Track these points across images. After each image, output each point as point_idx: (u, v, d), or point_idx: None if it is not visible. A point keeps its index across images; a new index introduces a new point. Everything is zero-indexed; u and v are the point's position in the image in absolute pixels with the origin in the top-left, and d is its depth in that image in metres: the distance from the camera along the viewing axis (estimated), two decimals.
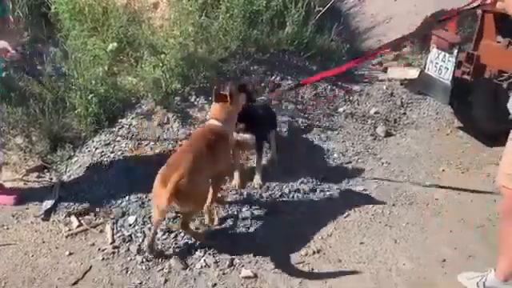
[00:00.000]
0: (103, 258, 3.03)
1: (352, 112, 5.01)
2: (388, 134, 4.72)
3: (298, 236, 3.31)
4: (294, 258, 3.12)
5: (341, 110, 5.02)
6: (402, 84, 5.63)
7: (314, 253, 3.17)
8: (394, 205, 3.69)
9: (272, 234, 3.30)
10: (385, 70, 6.05)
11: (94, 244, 3.14)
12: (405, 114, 5.14)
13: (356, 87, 5.46)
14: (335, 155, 4.30)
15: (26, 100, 4.05)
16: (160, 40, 4.36)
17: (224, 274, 2.96)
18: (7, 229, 3.24)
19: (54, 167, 3.84)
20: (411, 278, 2.97)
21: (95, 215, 3.36)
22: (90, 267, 2.96)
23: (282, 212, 3.52)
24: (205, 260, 3.03)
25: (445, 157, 4.33)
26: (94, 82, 4.18)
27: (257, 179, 3.70)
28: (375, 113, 5.04)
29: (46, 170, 3.82)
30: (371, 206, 3.68)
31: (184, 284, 2.89)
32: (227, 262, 3.01)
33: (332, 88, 5.23)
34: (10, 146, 3.91)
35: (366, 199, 3.75)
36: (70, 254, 3.06)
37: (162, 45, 4.31)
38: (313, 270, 3.04)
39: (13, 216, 3.34)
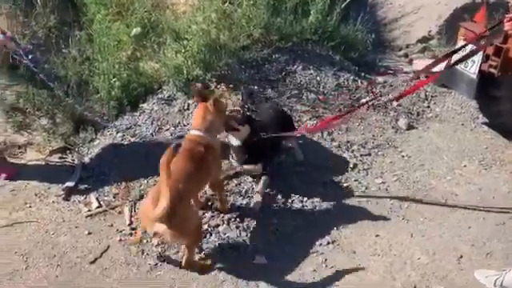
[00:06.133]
0: (120, 239, 3.09)
1: (374, 103, 4.93)
2: (410, 127, 4.64)
3: (313, 227, 3.31)
4: (308, 247, 3.11)
5: (363, 101, 4.94)
6: (426, 77, 5.50)
7: (328, 243, 3.17)
8: (412, 199, 3.64)
9: (287, 223, 3.30)
10: (410, 62, 5.94)
11: (112, 225, 3.20)
12: (428, 107, 5.04)
13: (379, 78, 5.37)
14: (354, 147, 4.25)
15: (50, 82, 4.10)
16: (183, 26, 4.37)
17: (237, 259, 2.97)
18: (30, 207, 3.33)
19: (77, 149, 3.91)
20: (426, 272, 2.95)
21: (114, 197, 3.42)
22: (108, 247, 3.03)
23: (300, 202, 3.51)
24: (220, 244, 3.05)
25: (467, 152, 4.25)
26: (117, 66, 4.23)
27: (257, 199, 3.41)
28: (398, 105, 4.95)
29: (68, 152, 3.89)
30: (389, 199, 3.64)
31: None
32: (242, 248, 3.03)
33: (355, 79, 5.15)
34: (35, 127, 4.00)
35: (383, 192, 3.71)
36: (89, 233, 3.13)
37: (184, 31, 4.31)
38: (326, 260, 3.02)
39: (35, 195, 3.43)
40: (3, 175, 3.55)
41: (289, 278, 2.90)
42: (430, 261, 3.03)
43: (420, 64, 5.78)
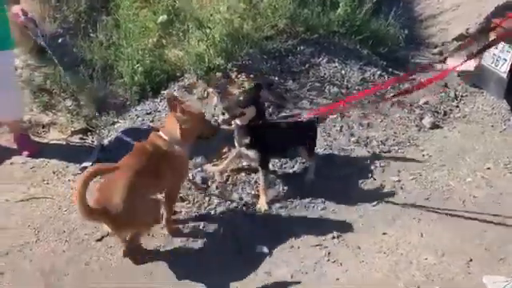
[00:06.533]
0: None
1: (399, 100, 4.79)
2: (435, 126, 4.49)
3: (320, 220, 3.28)
4: (313, 240, 3.08)
5: (388, 97, 4.82)
6: (459, 76, 5.31)
7: (333, 237, 3.12)
8: (427, 198, 3.54)
9: (293, 215, 3.29)
10: (444, 60, 5.73)
11: None
12: (457, 106, 4.87)
13: (408, 75, 5.21)
14: (374, 143, 4.16)
15: (77, 65, 4.25)
16: (206, 14, 4.39)
17: (240, 248, 2.99)
18: (47, 184, 3.46)
19: (97, 131, 4.02)
20: (431, 273, 2.85)
21: None
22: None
23: (310, 196, 3.47)
24: (223, 230, 3.07)
25: (493, 154, 4.07)
26: (141, 52, 4.31)
27: (261, 202, 3.31)
28: (424, 103, 4.81)
29: (89, 133, 4.01)
30: (403, 197, 3.55)
31: (201, 252, 2.95)
32: (244, 236, 3.04)
33: (381, 74, 5.04)
34: (60, 108, 4.14)
35: (398, 190, 3.62)
36: None
37: (207, 19, 4.34)
38: (329, 253, 2.98)
39: (53, 173, 3.56)
40: (26, 152, 3.70)
41: (289, 268, 2.87)
42: (437, 262, 2.93)
43: (453, 62, 5.60)
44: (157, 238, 3.04)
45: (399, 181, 3.73)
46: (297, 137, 3.54)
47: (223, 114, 3.21)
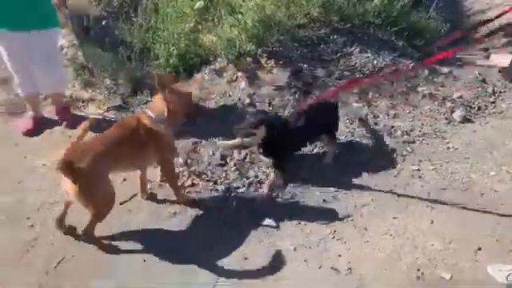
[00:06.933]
0: (150, 188, 3.37)
1: (432, 93, 4.73)
2: (465, 120, 4.39)
3: (332, 201, 3.34)
4: (321, 218, 3.16)
5: (420, 89, 4.78)
6: (500, 72, 5.16)
7: (342, 217, 3.18)
8: (444, 188, 3.50)
9: (305, 196, 3.37)
10: (488, 56, 5.58)
11: None
12: (493, 102, 4.73)
13: (444, 69, 5.12)
14: (398, 133, 4.15)
15: (117, 46, 4.53)
16: (238, 1, 4.54)
17: (249, 220, 3.12)
18: None
19: (132, 109, 4.28)
20: (435, 257, 2.86)
21: None
22: (136, 194, 3.32)
23: (325, 177, 3.54)
24: (236, 204, 3.22)
25: None
26: (176, 36, 4.53)
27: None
28: (458, 97, 4.70)
29: (123, 110, 4.27)
30: (419, 185, 3.54)
31: (211, 222, 3.12)
32: (255, 209, 3.17)
33: (415, 66, 4.97)
34: (99, 86, 4.44)
35: (415, 179, 3.61)
36: (124, 180, 3.44)
37: (239, 5, 4.48)
38: (335, 231, 3.05)
39: None
40: (65, 123, 4.01)
41: (293, 242, 2.97)
42: (443, 248, 2.92)
43: (497, 58, 5.43)
44: (171, 205, 3.22)
45: (418, 170, 3.72)
46: (316, 128, 3.53)
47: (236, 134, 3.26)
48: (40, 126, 4.00)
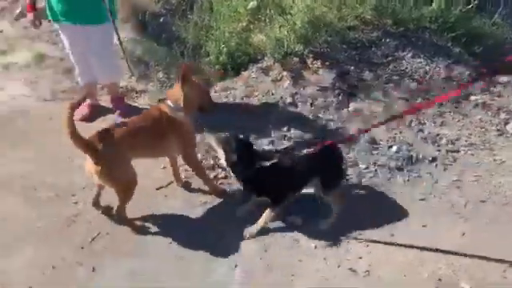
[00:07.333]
0: (185, 177, 3.54)
1: (486, 102, 4.54)
2: None
3: (360, 203, 3.32)
4: (347, 218, 3.15)
5: (473, 98, 4.60)
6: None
7: (369, 220, 3.17)
8: (484, 201, 3.37)
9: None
10: None
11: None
12: None
13: (503, 78, 4.88)
14: (443, 141, 4.02)
15: (172, 42, 4.77)
16: (289, 2, 4.61)
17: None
18: None
19: None
20: (459, 269, 2.78)
21: None
22: (173, 181, 3.51)
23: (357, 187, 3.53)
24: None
25: None
26: (227, 34, 4.69)
27: (251, 228, 3.05)
28: None
29: None
30: (457, 196, 3.43)
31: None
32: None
33: (470, 74, 4.79)
34: (152, 79, 4.70)
35: (453, 189, 3.50)
36: (164, 167, 3.64)
37: (289, 6, 4.56)
38: (360, 234, 3.05)
39: None
40: (118, 111, 4.30)
41: (316, 240, 3.01)
42: (470, 262, 2.82)
43: None
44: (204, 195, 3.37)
45: (459, 180, 3.60)
46: (307, 170, 2.99)
47: None
48: (95, 113, 4.31)
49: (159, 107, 3.13)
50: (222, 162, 2.97)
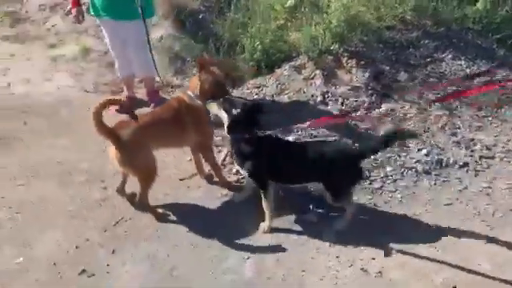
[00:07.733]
0: (209, 170, 3.63)
1: None
2: None
3: (384, 206, 3.28)
4: (367, 221, 3.13)
5: None
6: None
7: (388, 223, 3.11)
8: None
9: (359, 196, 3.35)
10: None
11: None
12: None
13: None
14: (477, 146, 3.87)
15: (209, 39, 4.89)
16: (325, 0, 4.60)
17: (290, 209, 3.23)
18: None
19: None
20: (478, 278, 2.69)
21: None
22: (197, 173, 3.61)
23: (381, 182, 3.48)
24: (282, 193, 3.33)
25: None
26: (263, 32, 4.74)
27: (263, 225, 3.06)
28: None
29: None
30: (485, 203, 3.31)
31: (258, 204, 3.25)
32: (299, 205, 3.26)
33: None
34: (188, 74, 4.84)
35: (482, 195, 3.37)
36: (190, 159, 3.74)
37: (326, 5, 4.54)
38: (375, 235, 3.01)
39: None
40: (153, 104, 4.47)
41: (330, 238, 3.01)
42: (489, 271, 2.71)
43: None
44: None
45: (489, 187, 3.46)
46: (313, 167, 2.83)
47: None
48: (132, 105, 4.50)
49: (179, 97, 3.27)
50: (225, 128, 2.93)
